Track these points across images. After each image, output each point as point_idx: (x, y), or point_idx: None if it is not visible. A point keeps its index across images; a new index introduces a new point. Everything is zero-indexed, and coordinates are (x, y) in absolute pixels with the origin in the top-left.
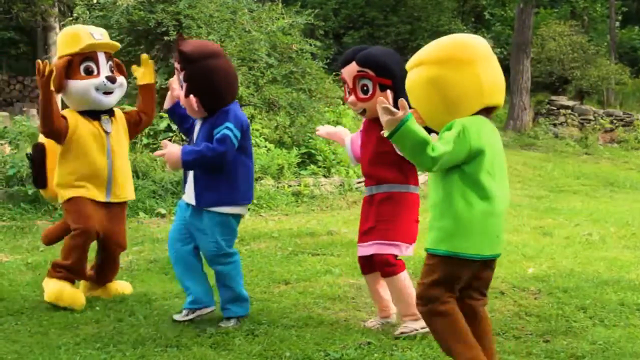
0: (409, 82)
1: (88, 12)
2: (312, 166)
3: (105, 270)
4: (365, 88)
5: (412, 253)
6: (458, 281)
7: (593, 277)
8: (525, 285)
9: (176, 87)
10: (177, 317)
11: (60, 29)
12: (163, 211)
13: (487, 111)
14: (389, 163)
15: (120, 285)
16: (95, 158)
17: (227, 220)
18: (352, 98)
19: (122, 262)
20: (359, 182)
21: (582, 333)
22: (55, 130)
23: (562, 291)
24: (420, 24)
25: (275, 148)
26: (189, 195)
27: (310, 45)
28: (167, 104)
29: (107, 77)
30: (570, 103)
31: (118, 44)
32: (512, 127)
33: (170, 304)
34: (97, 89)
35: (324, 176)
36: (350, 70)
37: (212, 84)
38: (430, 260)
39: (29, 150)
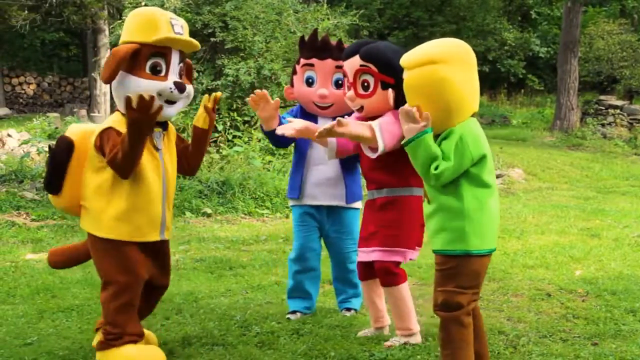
0: (414, 80)
1: None
2: None
3: (144, 312)
4: (365, 84)
5: (416, 257)
6: (479, 279)
7: None
8: (573, 288)
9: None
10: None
11: (109, 31)
12: (209, 211)
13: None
14: (389, 166)
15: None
16: (151, 183)
17: (358, 214)
18: (350, 93)
19: None
20: None
21: (632, 336)
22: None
23: (611, 294)
24: (465, 24)
25: None
26: (321, 196)
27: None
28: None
29: (176, 83)
30: (619, 103)
31: (198, 44)
32: (559, 127)
33: (216, 303)
34: (159, 95)
35: None
36: (352, 63)
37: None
38: (447, 264)
39: (52, 142)
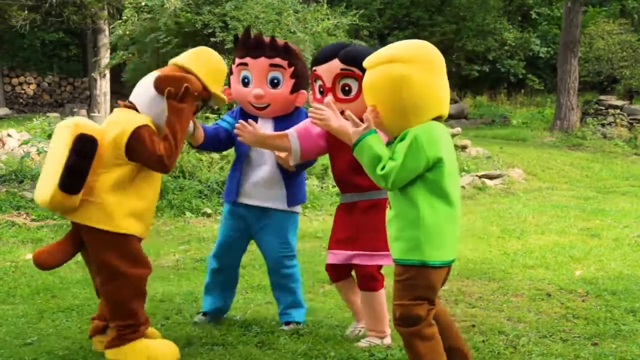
0: (373, 79)
1: (137, 15)
2: None
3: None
4: (347, 88)
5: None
6: (435, 291)
7: None
8: (573, 288)
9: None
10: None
11: (109, 31)
12: (209, 211)
13: (437, 119)
14: None
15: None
16: (158, 183)
17: (296, 218)
18: (328, 98)
19: (169, 261)
20: None
21: (632, 336)
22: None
23: (611, 294)
24: (465, 24)
25: None
26: (257, 196)
27: None
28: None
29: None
30: (619, 103)
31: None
32: (559, 127)
33: None
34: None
35: None
36: (330, 67)
37: None
38: (404, 275)
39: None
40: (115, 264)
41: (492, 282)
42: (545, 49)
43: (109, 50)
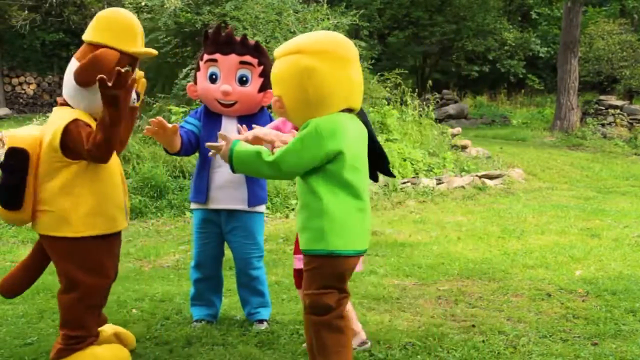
0: (280, 69)
1: (136, 15)
2: None
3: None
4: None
5: (361, 267)
6: (343, 280)
7: None
8: (573, 288)
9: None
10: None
11: None
12: None
13: (348, 112)
14: None
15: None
16: (112, 169)
17: (262, 218)
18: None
19: (168, 261)
20: (404, 183)
21: (632, 336)
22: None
23: (611, 294)
24: (465, 23)
25: None
26: (224, 199)
27: (355, 45)
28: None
29: (137, 93)
30: (619, 103)
31: (156, 53)
32: (559, 127)
33: None
34: None
35: None
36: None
37: None
38: (311, 264)
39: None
40: (72, 274)
41: (492, 282)
42: (545, 49)
43: None
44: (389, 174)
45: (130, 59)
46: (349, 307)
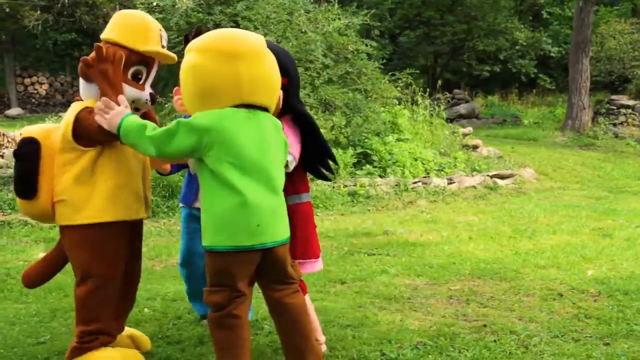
0: (181, 66)
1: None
2: (367, 166)
3: (127, 308)
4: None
5: (321, 267)
6: (232, 278)
7: None
8: (585, 287)
9: None
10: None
11: None
12: None
13: (250, 107)
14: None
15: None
16: (130, 160)
17: None
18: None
19: (177, 261)
20: (415, 183)
21: None
22: None
23: (623, 294)
24: (476, 23)
25: (332, 148)
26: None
27: (366, 45)
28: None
29: (151, 95)
30: (631, 102)
31: (176, 58)
32: (571, 127)
33: None
34: (133, 101)
35: (380, 176)
36: None
37: None
38: (204, 260)
39: (15, 147)
40: (86, 263)
41: (503, 282)
42: (557, 48)
43: None
44: (324, 177)
45: (139, 57)
46: (313, 315)
